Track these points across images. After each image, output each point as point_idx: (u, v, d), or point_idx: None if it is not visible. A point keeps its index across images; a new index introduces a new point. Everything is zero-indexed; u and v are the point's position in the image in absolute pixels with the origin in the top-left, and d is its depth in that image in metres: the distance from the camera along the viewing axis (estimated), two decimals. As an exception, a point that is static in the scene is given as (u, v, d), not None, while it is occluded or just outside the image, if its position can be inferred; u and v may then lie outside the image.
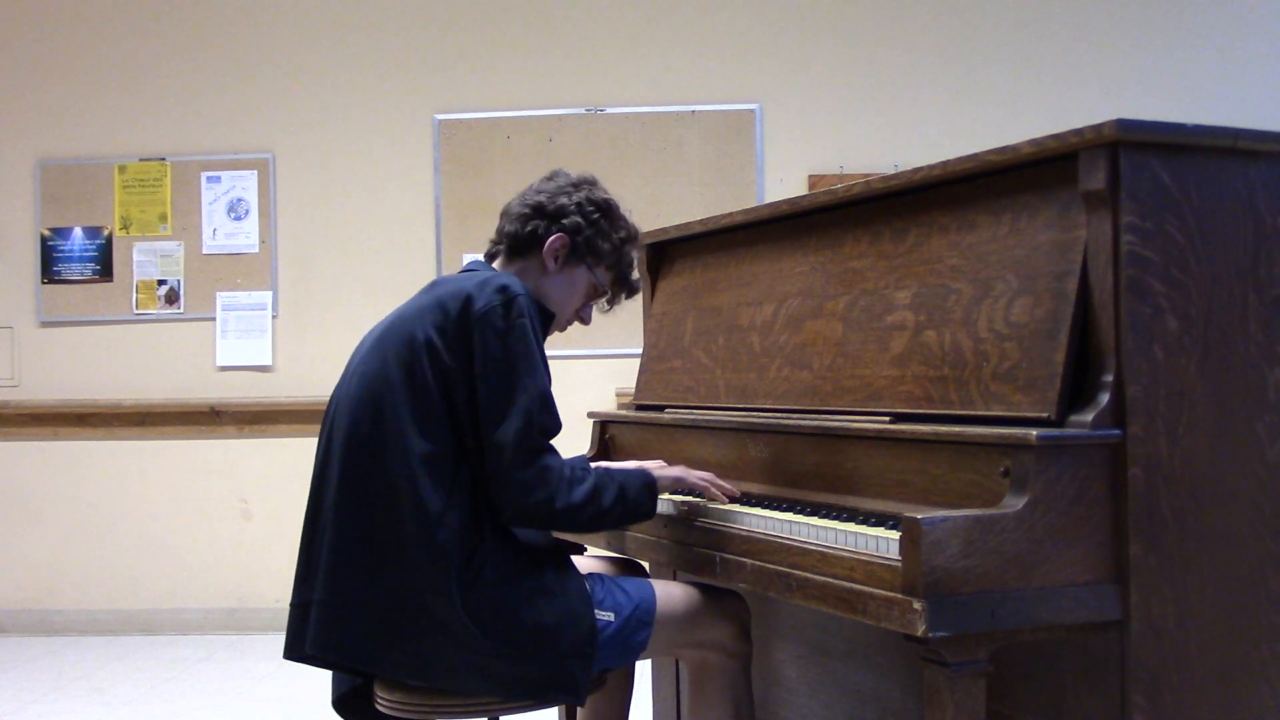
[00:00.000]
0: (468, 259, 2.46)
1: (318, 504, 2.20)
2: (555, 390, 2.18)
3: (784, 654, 2.67)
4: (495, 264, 2.39)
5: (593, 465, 2.25)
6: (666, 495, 2.35)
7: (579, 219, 2.33)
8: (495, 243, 2.41)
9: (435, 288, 2.24)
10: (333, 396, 2.26)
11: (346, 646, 2.10)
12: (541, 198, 2.35)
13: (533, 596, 2.09)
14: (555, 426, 2.15)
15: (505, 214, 2.41)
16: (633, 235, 2.45)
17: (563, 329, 2.43)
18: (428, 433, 2.08)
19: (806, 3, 5.59)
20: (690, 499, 2.34)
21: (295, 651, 2.18)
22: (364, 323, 2.46)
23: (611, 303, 2.48)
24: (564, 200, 2.34)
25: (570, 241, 2.34)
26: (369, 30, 5.67)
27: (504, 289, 2.14)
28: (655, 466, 2.35)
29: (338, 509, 2.11)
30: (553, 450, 2.14)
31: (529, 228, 2.33)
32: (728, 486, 2.32)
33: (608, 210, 2.39)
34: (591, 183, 2.41)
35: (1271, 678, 1.86)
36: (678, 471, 2.33)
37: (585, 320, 2.47)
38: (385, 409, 2.10)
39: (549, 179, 2.42)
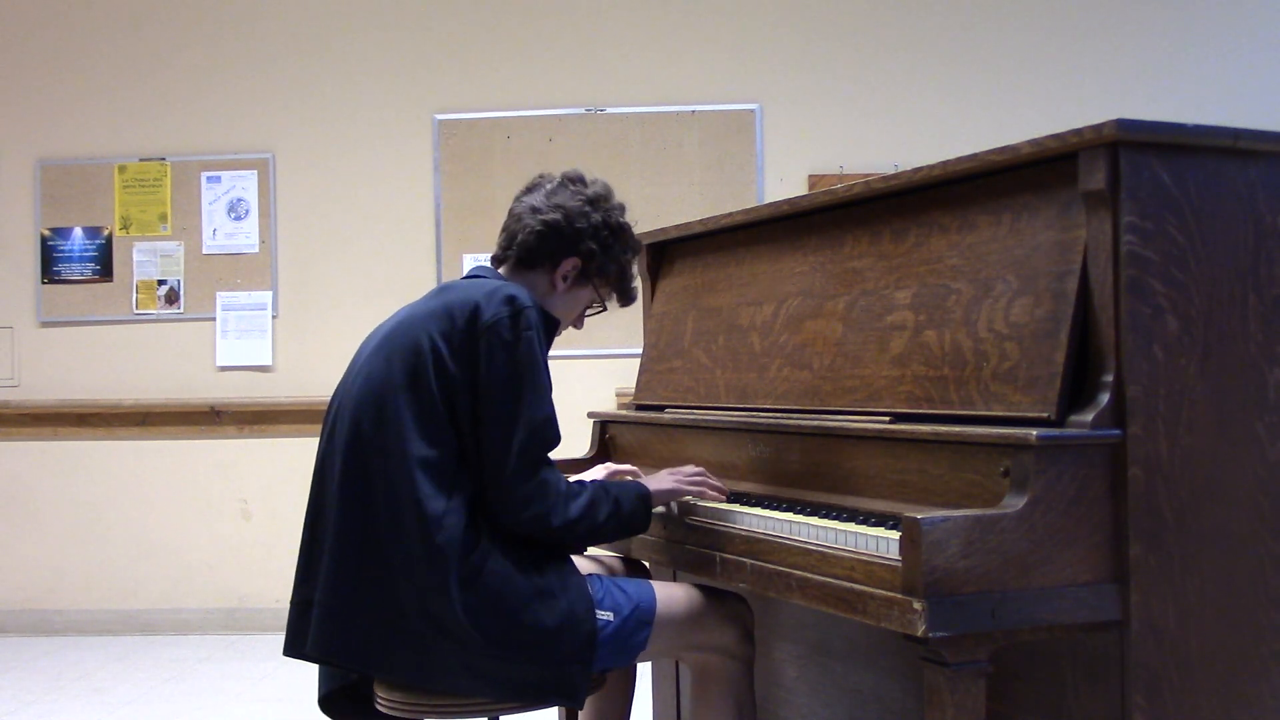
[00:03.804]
0: (468, 260, 2.45)
1: (319, 503, 2.20)
2: (555, 390, 2.19)
3: (784, 654, 2.66)
4: (502, 270, 2.38)
5: (588, 481, 2.26)
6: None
7: (594, 245, 2.34)
8: (504, 248, 2.37)
9: (444, 293, 2.24)
10: (334, 395, 2.26)
11: (347, 648, 2.10)
12: (559, 216, 2.32)
13: (533, 598, 2.08)
14: (555, 440, 2.17)
15: (517, 220, 2.36)
16: (637, 251, 2.47)
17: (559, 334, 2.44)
18: (429, 437, 2.09)
19: (806, 3, 5.59)
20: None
21: (295, 649, 2.19)
22: (364, 323, 2.46)
23: (605, 308, 2.49)
24: (582, 224, 2.32)
25: (582, 266, 2.35)
26: (369, 30, 5.67)
27: (512, 300, 2.14)
28: (645, 478, 2.37)
29: (339, 510, 2.12)
30: (551, 464, 2.15)
31: (544, 247, 2.32)
32: (717, 485, 2.33)
33: (621, 234, 2.38)
34: (607, 197, 2.39)
35: (1272, 678, 1.86)
36: (669, 484, 2.32)
37: (579, 326, 2.49)
38: (388, 412, 2.11)
39: (563, 186, 2.37)
